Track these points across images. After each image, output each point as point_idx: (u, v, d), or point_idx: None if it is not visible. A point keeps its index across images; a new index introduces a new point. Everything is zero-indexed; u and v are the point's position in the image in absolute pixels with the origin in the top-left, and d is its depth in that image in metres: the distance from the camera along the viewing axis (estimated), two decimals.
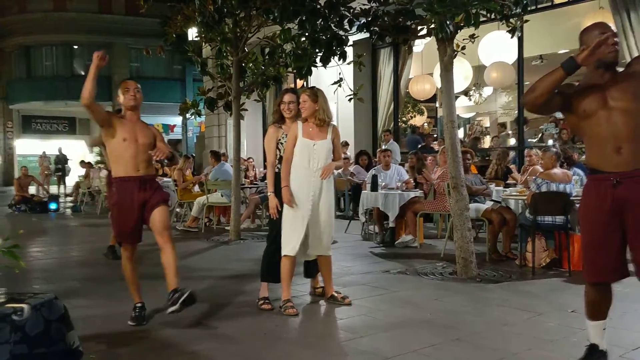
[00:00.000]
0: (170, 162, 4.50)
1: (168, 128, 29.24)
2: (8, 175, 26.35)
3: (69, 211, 14.96)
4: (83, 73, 27.14)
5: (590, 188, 3.16)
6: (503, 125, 14.38)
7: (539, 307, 4.72)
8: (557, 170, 6.24)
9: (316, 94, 4.66)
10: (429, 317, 4.49)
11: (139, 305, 4.47)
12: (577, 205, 6.35)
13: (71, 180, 21.26)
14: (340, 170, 11.12)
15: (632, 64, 3.19)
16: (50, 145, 25.14)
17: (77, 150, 25.85)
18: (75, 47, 26.98)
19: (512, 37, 6.75)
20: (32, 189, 16.68)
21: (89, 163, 18.16)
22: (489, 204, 7.24)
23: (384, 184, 8.35)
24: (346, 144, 13.08)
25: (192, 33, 10.31)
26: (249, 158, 12.72)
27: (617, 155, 2.98)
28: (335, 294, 4.91)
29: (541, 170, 6.59)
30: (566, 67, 3.00)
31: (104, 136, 4.38)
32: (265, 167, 12.61)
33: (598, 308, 3.23)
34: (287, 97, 4.88)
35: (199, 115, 10.08)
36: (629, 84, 3.03)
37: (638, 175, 2.95)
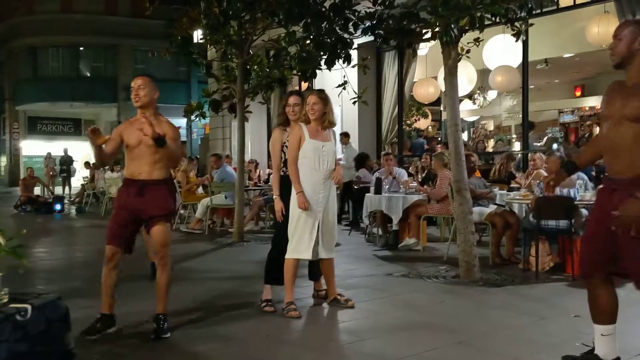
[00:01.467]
0: (159, 145, 3.95)
1: None
2: (14, 176, 26.45)
3: (73, 212, 15.00)
4: (89, 74, 27.30)
5: (601, 188, 3.37)
6: (498, 128, 14.37)
7: (542, 311, 4.71)
8: None
9: (326, 97, 4.67)
10: (432, 320, 4.49)
11: (99, 315, 4.15)
12: (582, 210, 6.38)
13: (76, 181, 21.33)
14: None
15: None
16: (56, 146, 25.22)
17: (82, 152, 25.93)
18: (82, 48, 27.10)
19: (516, 41, 6.74)
20: (37, 190, 16.75)
21: (94, 164, 18.22)
22: (492, 208, 7.23)
23: (387, 187, 8.36)
24: (347, 135, 12.81)
25: (198, 35, 10.34)
26: (250, 161, 12.70)
27: (616, 162, 3.10)
28: (339, 297, 4.91)
29: (545, 174, 6.58)
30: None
31: None
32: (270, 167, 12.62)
33: (596, 307, 3.31)
34: (292, 100, 4.89)
35: (204, 117, 10.11)
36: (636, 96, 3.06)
37: (629, 186, 3.01)
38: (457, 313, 4.70)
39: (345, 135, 11.93)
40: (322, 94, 4.68)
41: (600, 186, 3.43)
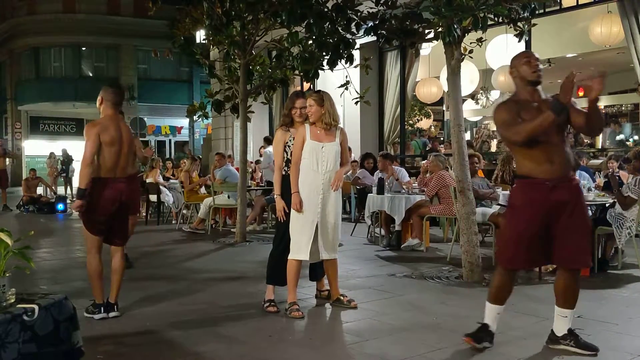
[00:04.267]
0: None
1: (175, 130, 29.35)
2: (16, 176, 26.49)
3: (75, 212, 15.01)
4: (91, 74, 27.33)
5: (523, 191, 3.66)
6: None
7: (544, 311, 4.69)
8: None
9: (322, 98, 4.66)
10: (435, 321, 4.48)
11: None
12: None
13: (77, 181, 21.30)
14: (348, 173, 11.16)
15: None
16: (58, 146, 25.20)
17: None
18: (84, 48, 27.13)
19: (519, 41, 6.73)
20: (39, 190, 16.76)
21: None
22: (495, 208, 7.23)
23: (389, 187, 8.36)
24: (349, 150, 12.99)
25: (200, 36, 10.35)
26: (256, 161, 12.74)
27: (550, 165, 3.54)
28: (341, 297, 4.91)
29: None
30: (556, 111, 3.45)
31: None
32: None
33: (502, 293, 3.79)
34: (299, 103, 4.87)
35: (206, 117, 10.11)
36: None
37: (568, 181, 3.60)
38: (460, 314, 4.70)
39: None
40: (317, 95, 4.69)
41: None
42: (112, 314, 4.56)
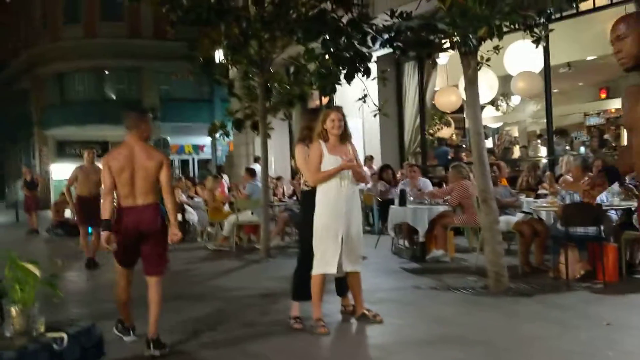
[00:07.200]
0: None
1: (198, 148, 29.64)
2: (44, 200, 26.99)
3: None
4: (114, 97, 27.81)
5: None
6: (534, 135, 14.21)
7: (573, 320, 4.65)
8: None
9: (344, 115, 4.80)
10: (462, 333, 4.45)
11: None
12: (611, 215, 6.29)
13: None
14: (369, 185, 11.16)
15: None
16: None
17: None
18: (106, 72, 27.65)
19: (537, 47, 6.70)
20: (67, 213, 17.03)
21: None
22: (519, 216, 7.16)
23: (412, 198, 8.35)
24: (371, 158, 13.05)
25: (219, 56, 10.50)
26: (278, 177, 12.81)
27: None
28: (367, 312, 4.91)
29: (571, 180, 6.51)
30: None
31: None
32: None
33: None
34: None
35: (227, 135, 10.24)
36: None
37: None
38: (486, 325, 4.66)
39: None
40: (342, 110, 4.83)
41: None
42: (155, 352, 4.16)
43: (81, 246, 9.24)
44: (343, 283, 5.06)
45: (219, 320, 5.22)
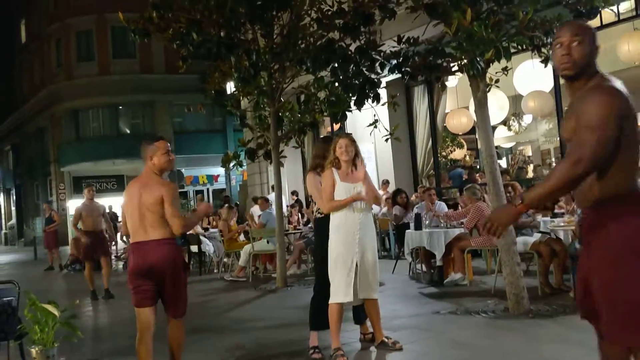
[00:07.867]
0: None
1: (212, 178, 29.82)
2: (62, 235, 27.20)
3: (120, 267, 15.28)
4: (128, 131, 28.19)
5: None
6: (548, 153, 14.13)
7: (595, 341, 4.55)
8: None
9: (354, 140, 4.81)
10: (482, 358, 4.39)
11: None
12: None
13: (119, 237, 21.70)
14: (384, 210, 11.12)
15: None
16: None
17: None
18: (120, 107, 28.09)
19: (545, 67, 6.71)
20: None
21: None
22: (537, 236, 7.09)
23: (427, 222, 8.30)
24: (387, 182, 13.07)
25: (230, 87, 10.63)
26: (292, 205, 12.83)
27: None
28: (386, 339, 4.86)
29: None
30: None
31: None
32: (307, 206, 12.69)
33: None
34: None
35: (241, 165, 10.30)
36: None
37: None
38: (507, 348, 4.59)
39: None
40: (351, 136, 4.88)
41: None
42: None
43: (87, 280, 9.36)
44: (361, 310, 5.03)
45: (237, 353, 5.19)
